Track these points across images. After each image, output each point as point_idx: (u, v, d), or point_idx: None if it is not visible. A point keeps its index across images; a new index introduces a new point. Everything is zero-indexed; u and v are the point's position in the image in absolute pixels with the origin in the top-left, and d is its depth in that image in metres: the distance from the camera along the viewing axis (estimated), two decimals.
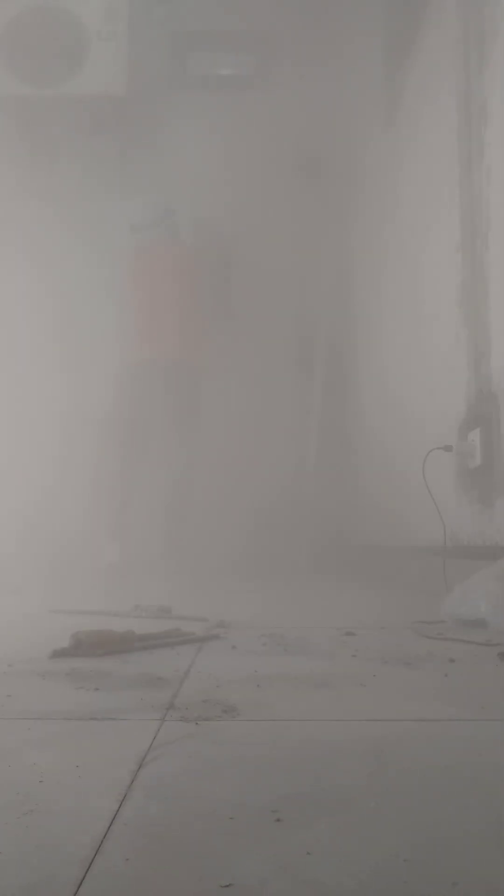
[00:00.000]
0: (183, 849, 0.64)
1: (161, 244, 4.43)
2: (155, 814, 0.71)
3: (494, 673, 1.35)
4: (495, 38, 2.35)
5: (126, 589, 3.04)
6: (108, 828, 0.67)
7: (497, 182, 2.34)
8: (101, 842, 0.64)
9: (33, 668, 1.41)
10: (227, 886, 0.57)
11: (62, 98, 4.69)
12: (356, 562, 4.19)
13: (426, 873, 0.59)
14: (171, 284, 4.31)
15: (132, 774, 0.81)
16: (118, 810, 0.71)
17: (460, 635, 1.73)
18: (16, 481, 4.30)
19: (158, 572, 3.89)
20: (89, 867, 0.60)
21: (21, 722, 1.03)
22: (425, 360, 3.08)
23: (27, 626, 2.06)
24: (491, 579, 1.86)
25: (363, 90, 4.34)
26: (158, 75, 5.18)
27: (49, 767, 0.84)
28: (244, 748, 0.91)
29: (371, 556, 3.98)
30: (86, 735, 0.98)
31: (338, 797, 0.75)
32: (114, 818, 0.70)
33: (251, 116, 4.96)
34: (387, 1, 3.88)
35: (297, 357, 4.98)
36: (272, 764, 0.85)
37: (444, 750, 0.90)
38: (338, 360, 4.80)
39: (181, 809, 0.72)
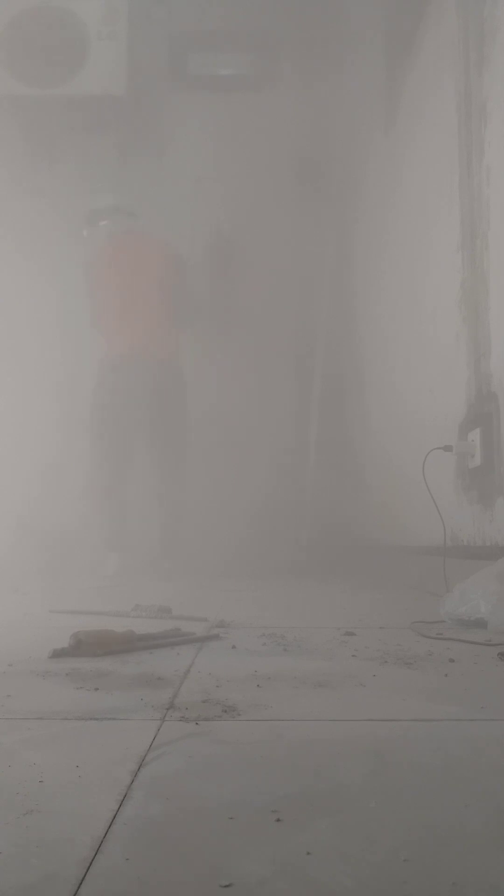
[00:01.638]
0: (183, 849, 0.64)
1: (119, 235, 4.31)
2: (155, 814, 0.71)
3: (494, 673, 1.35)
4: (495, 38, 2.35)
5: (125, 590, 3.04)
6: (108, 828, 0.67)
7: (497, 182, 2.34)
8: (101, 842, 0.64)
9: (33, 668, 1.41)
10: (227, 886, 0.57)
11: (62, 98, 4.69)
12: (356, 562, 4.19)
13: (426, 873, 0.59)
14: (135, 278, 4.17)
15: (132, 774, 0.81)
16: (118, 810, 0.71)
17: (460, 635, 1.73)
18: (11, 480, 4.29)
19: (157, 573, 3.89)
20: (89, 867, 0.60)
21: (21, 722, 1.03)
22: (425, 360, 3.08)
23: (27, 626, 2.06)
24: (491, 579, 1.86)
25: (363, 90, 4.34)
26: (158, 75, 5.18)
27: (49, 767, 0.84)
28: (244, 748, 0.91)
29: (371, 556, 3.98)
30: (86, 735, 0.98)
31: (338, 797, 0.75)
32: (114, 818, 0.70)
33: (251, 116, 4.97)
34: (387, 1, 3.88)
35: (298, 357, 4.98)
36: (272, 764, 0.85)
37: (444, 750, 0.90)
38: (338, 360, 4.79)
39: (181, 809, 0.72)
